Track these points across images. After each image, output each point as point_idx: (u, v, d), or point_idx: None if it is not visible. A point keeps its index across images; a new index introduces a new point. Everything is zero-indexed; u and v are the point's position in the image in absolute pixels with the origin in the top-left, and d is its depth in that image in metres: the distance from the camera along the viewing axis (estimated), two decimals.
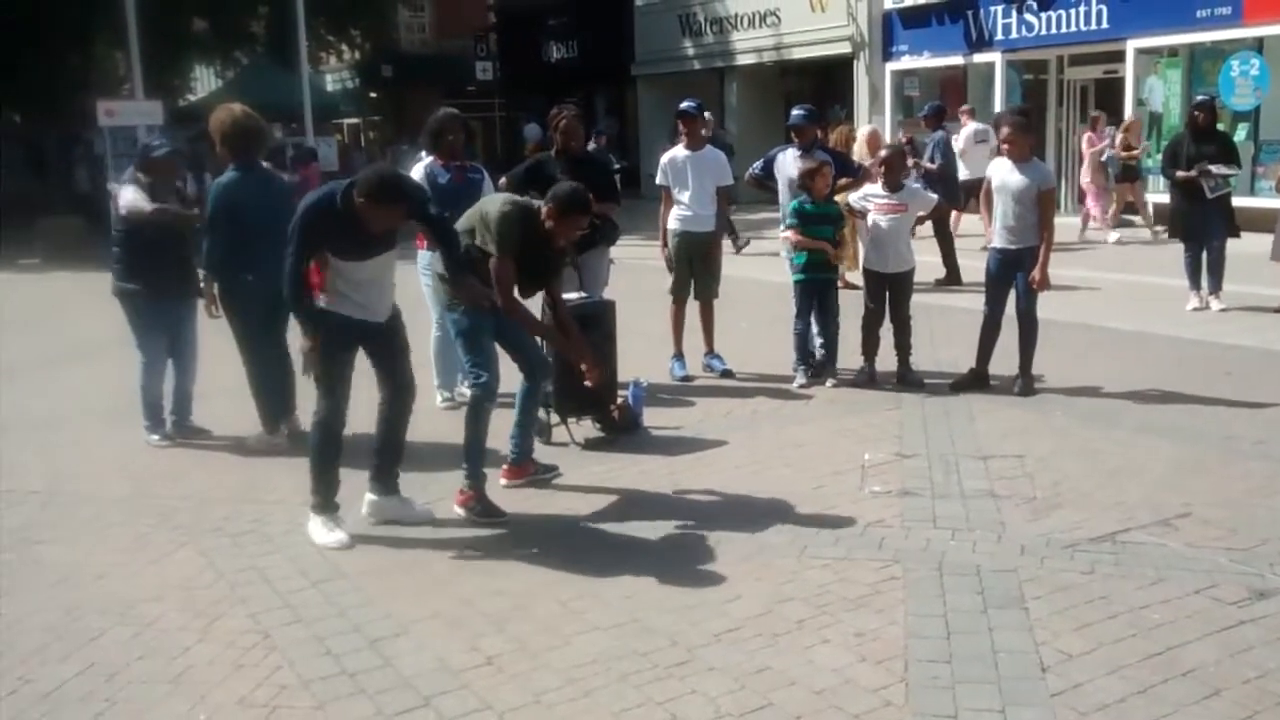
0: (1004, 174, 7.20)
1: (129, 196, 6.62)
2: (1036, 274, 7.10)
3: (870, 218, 7.72)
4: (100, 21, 21.90)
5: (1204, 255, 10.07)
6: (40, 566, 4.98)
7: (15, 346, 10.43)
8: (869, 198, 7.77)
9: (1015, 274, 7.21)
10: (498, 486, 5.60)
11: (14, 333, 11.35)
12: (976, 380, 7.42)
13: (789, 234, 7.72)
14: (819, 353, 7.89)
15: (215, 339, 7.00)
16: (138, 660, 4.03)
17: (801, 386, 7.64)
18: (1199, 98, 11.05)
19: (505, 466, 5.78)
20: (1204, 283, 10.09)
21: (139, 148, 7.24)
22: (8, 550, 5.19)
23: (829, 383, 7.68)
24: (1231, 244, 10.15)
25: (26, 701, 3.78)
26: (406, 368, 5.34)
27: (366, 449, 5.40)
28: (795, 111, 8.27)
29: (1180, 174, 10.01)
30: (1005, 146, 7.28)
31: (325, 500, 5.21)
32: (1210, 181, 9.82)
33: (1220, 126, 11.84)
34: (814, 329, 7.90)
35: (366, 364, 5.31)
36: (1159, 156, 17.15)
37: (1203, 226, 10.02)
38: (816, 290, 7.75)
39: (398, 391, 5.32)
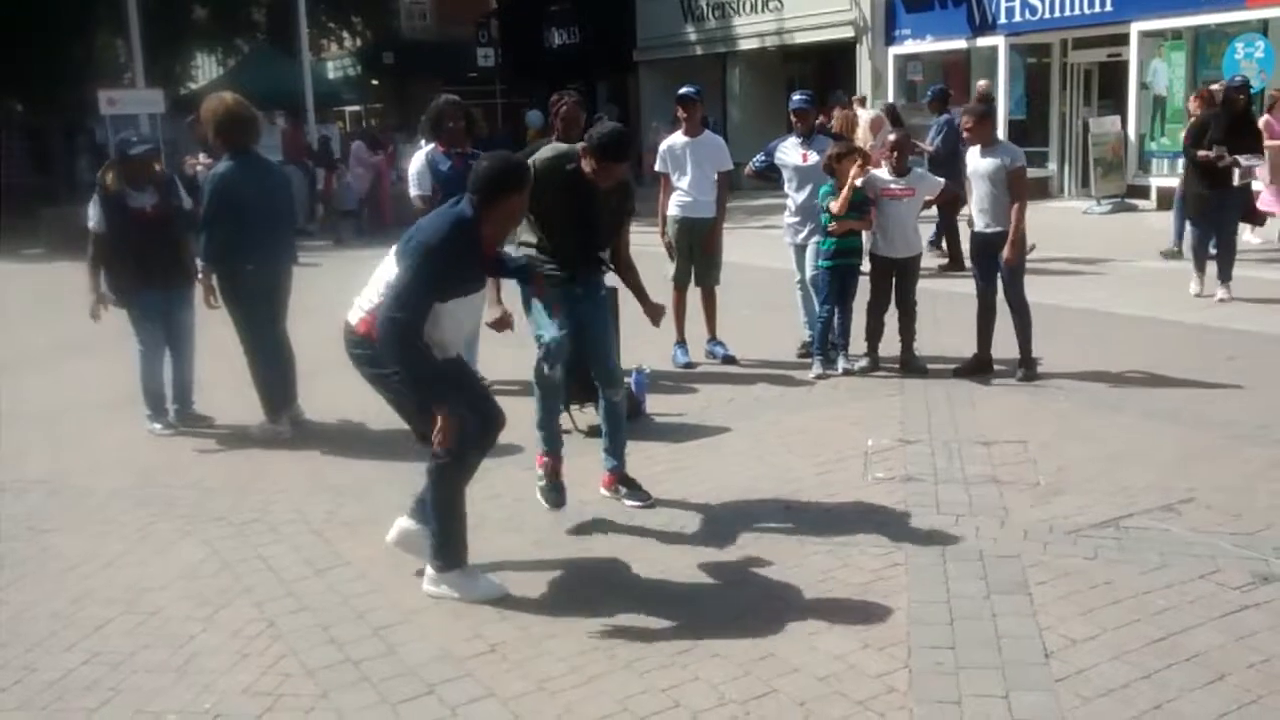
0: (974, 160, 7.33)
1: (91, 223, 6.66)
2: (1007, 251, 7.11)
3: (875, 202, 7.69)
4: (101, 10, 21.90)
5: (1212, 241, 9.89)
6: (45, 556, 4.99)
7: (19, 337, 10.45)
8: (877, 182, 7.74)
9: (996, 257, 7.22)
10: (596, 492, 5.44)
11: (18, 323, 11.36)
12: (980, 366, 7.42)
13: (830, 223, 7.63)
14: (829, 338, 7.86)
15: (217, 328, 7.00)
16: (143, 649, 4.05)
17: (819, 377, 7.60)
18: (1238, 79, 10.75)
19: (605, 473, 5.48)
20: (1208, 268, 9.96)
21: (116, 141, 7.15)
22: (13, 539, 5.20)
23: (841, 368, 7.66)
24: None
25: (32, 690, 3.79)
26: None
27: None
28: (796, 97, 8.25)
29: (1202, 154, 9.80)
30: (966, 134, 7.48)
31: (456, 556, 4.41)
32: (1240, 169, 9.63)
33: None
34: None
35: None
36: (1162, 140, 17.21)
37: (1219, 212, 9.83)
38: (840, 276, 7.71)
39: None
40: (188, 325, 7.01)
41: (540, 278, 4.93)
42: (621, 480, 5.43)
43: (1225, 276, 9.79)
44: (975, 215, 7.35)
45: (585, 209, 5.09)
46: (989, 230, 7.24)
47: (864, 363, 7.70)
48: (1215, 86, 14.44)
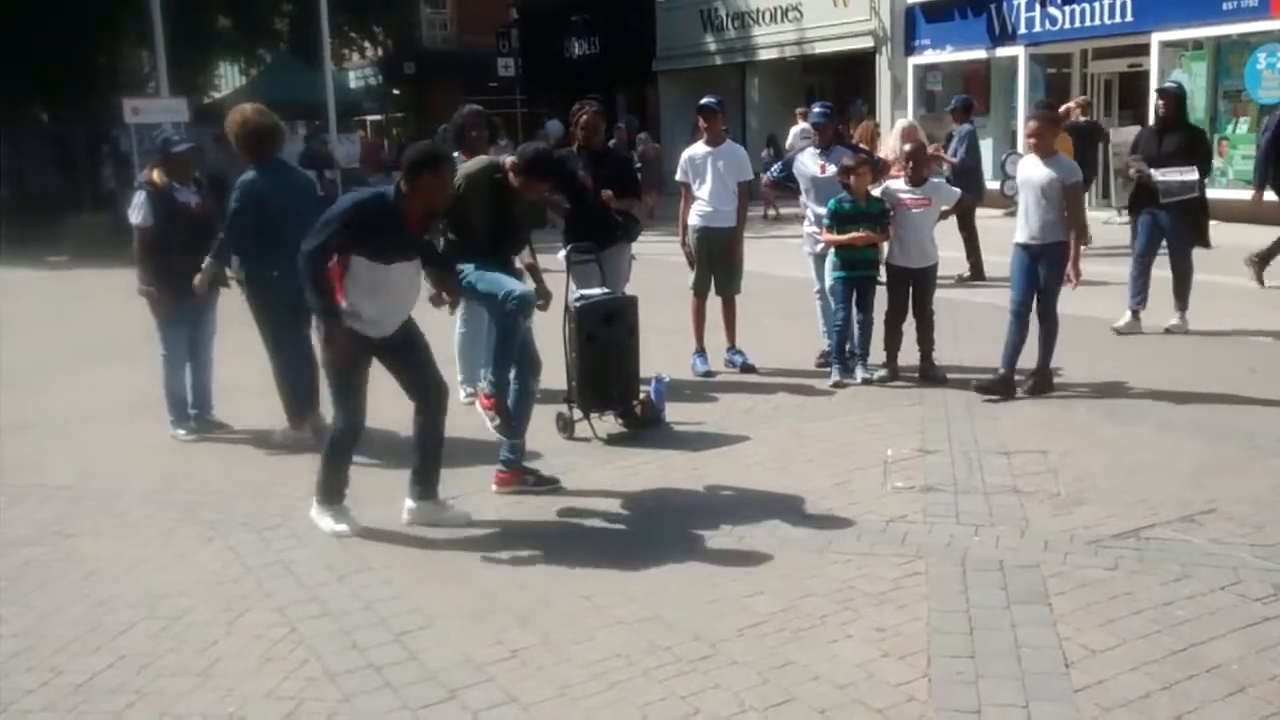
0: (1028, 169, 7.13)
1: (136, 219, 6.75)
2: (1071, 271, 7.01)
3: (893, 213, 7.70)
4: (126, 20, 22.08)
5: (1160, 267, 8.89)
6: (71, 560, 5.04)
7: (44, 343, 10.54)
8: (892, 192, 7.75)
9: (1039, 270, 7.13)
10: (489, 493, 5.66)
11: (42, 329, 11.47)
12: (1004, 385, 7.16)
13: (824, 234, 7.68)
14: (847, 348, 7.87)
15: (241, 334, 7.07)
16: (167, 653, 4.09)
17: (836, 384, 7.61)
18: (1165, 84, 9.74)
19: (499, 470, 5.71)
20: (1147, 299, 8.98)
21: (159, 142, 7.32)
22: (38, 544, 5.26)
23: (860, 377, 7.66)
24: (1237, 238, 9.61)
25: (58, 693, 3.84)
26: (431, 373, 5.27)
27: (392, 446, 5.44)
28: (814, 109, 8.26)
29: (1133, 170, 8.99)
30: (1032, 140, 7.20)
31: (330, 495, 5.25)
32: (1162, 185, 8.57)
33: (1246, 123, 11.38)
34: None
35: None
36: None
37: (1167, 233, 8.80)
38: (856, 286, 7.70)
39: (425, 399, 5.25)
40: (209, 332, 7.10)
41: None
42: (523, 473, 5.69)
43: (1182, 305, 8.93)
44: (1021, 226, 7.13)
45: (503, 215, 5.57)
46: (1035, 243, 7.06)
47: (883, 372, 7.70)
48: (1072, 105, 14.38)
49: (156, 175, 6.80)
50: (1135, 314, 8.93)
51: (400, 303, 5.12)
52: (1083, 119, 14.03)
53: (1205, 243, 9.02)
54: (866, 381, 7.63)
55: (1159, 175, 8.55)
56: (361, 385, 5.16)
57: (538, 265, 6.06)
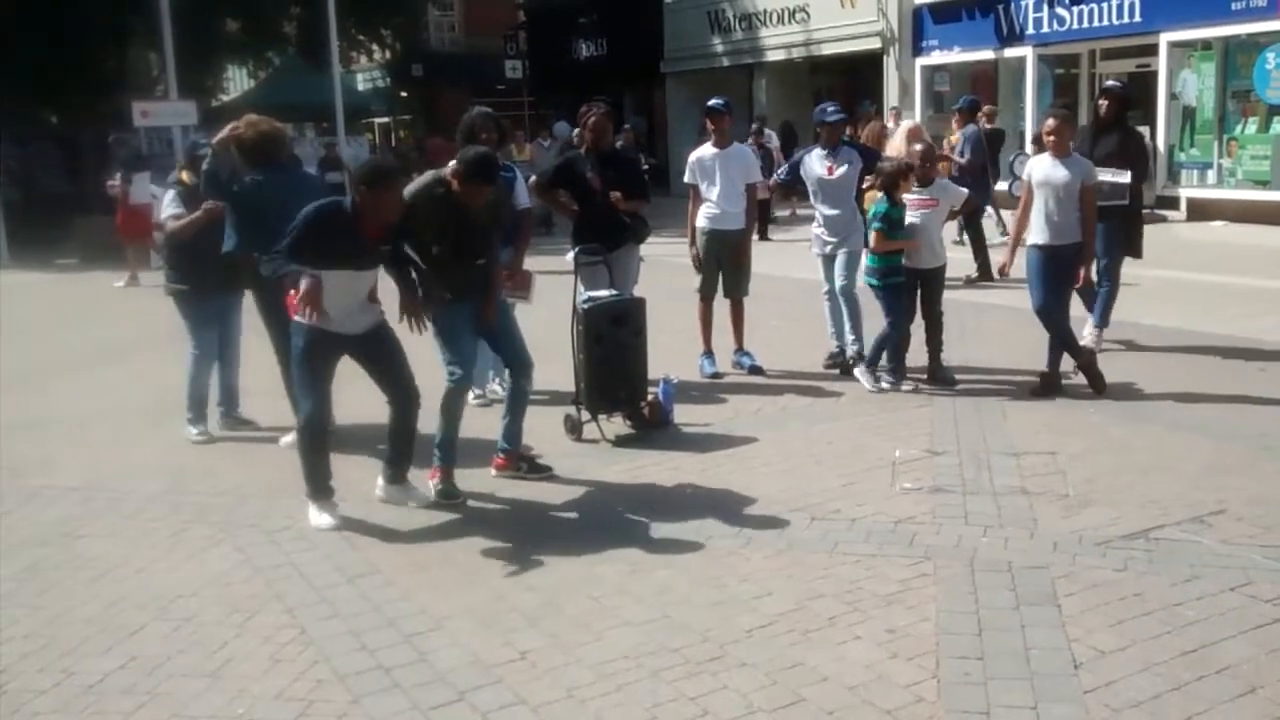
0: (1046, 169, 7.05)
1: (169, 212, 6.82)
2: (1084, 271, 7.00)
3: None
4: (135, 23, 22.15)
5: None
6: (81, 561, 5.06)
7: (54, 345, 10.58)
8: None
9: (1060, 270, 7.06)
10: (495, 496, 5.74)
11: (51, 331, 11.51)
12: (1050, 384, 7.15)
13: (878, 240, 7.45)
14: (849, 350, 7.87)
15: (249, 337, 7.09)
16: (178, 654, 4.10)
17: (886, 386, 7.48)
18: (1107, 83, 9.12)
19: (497, 456, 5.95)
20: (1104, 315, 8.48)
21: (187, 144, 7.45)
22: (48, 545, 5.27)
23: (905, 386, 7.50)
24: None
25: (70, 694, 3.85)
26: (401, 377, 5.50)
27: (365, 439, 5.48)
28: (829, 109, 8.21)
29: None
30: (1051, 139, 7.09)
31: (317, 489, 5.42)
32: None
33: (1255, 123, 11.36)
34: (847, 327, 7.88)
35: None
36: (1192, 151, 17.09)
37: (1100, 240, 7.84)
38: (905, 290, 7.53)
39: (396, 401, 5.52)
40: (237, 330, 7.17)
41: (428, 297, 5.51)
42: (518, 459, 5.92)
43: (1100, 320, 8.38)
44: (1039, 229, 7.05)
45: (456, 225, 5.47)
46: (1058, 244, 7.01)
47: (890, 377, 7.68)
48: (989, 109, 14.52)
49: (186, 176, 6.93)
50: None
51: (349, 307, 5.29)
52: (989, 126, 14.26)
53: (1137, 253, 8.49)
54: (918, 387, 7.46)
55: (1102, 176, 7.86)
56: (326, 377, 5.39)
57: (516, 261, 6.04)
